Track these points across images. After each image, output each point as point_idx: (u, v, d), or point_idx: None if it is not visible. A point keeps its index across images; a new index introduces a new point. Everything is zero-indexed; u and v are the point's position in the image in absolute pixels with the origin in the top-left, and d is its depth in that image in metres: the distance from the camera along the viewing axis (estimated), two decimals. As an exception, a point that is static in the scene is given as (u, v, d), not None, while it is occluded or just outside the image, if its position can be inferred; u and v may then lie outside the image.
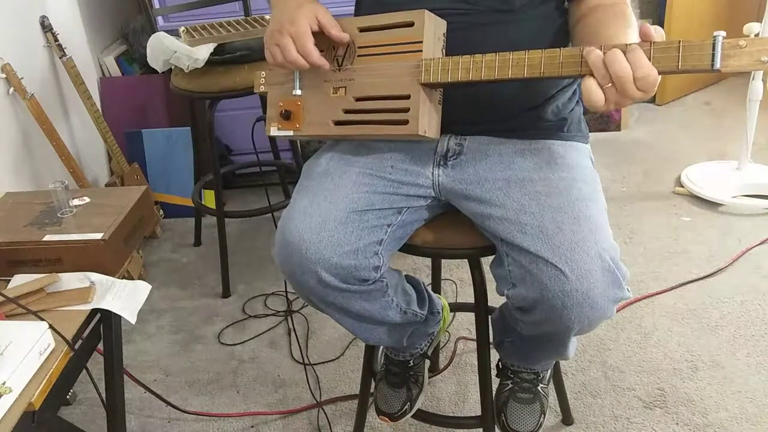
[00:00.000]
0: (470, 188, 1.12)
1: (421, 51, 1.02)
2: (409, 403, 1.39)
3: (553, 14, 1.12)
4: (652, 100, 3.24)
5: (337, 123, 1.11)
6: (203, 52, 1.94)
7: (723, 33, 0.81)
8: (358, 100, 1.09)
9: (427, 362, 1.46)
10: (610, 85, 0.87)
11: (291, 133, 1.15)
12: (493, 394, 1.34)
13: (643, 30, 0.87)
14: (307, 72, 1.11)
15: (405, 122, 1.04)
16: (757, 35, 0.82)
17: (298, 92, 1.13)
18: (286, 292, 2.08)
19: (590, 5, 1.08)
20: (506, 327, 1.26)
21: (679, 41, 0.84)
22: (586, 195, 1.06)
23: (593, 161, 1.20)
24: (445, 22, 1.05)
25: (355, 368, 1.78)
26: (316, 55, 1.06)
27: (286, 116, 1.14)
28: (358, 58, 1.08)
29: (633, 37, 0.99)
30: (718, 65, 0.82)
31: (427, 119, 1.04)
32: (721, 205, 2.37)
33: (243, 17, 2.18)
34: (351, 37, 1.08)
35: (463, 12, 1.07)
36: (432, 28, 1.03)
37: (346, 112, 1.10)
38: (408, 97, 1.03)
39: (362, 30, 1.08)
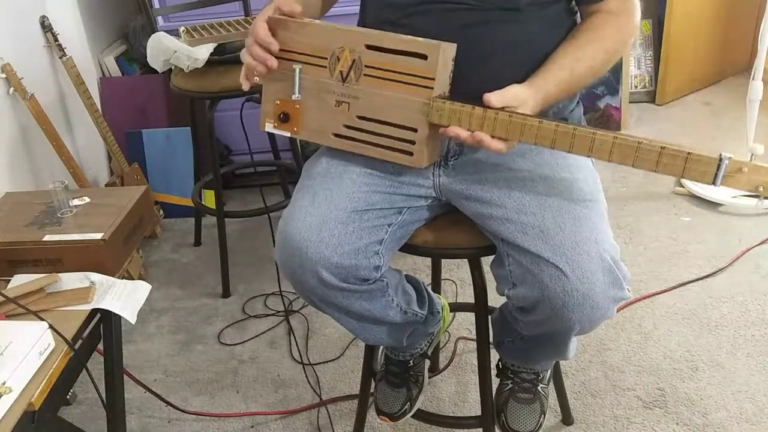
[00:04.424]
0: (471, 188, 1.12)
1: (431, 88, 0.99)
2: (409, 403, 1.39)
3: (560, 17, 1.12)
4: (652, 100, 3.24)
5: (337, 136, 1.09)
6: (203, 52, 1.94)
7: (730, 155, 0.84)
8: (360, 118, 1.07)
9: (427, 362, 1.46)
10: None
11: (288, 134, 1.14)
12: (493, 394, 1.34)
13: None
14: (307, 78, 1.10)
15: (409, 153, 1.03)
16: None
17: (298, 96, 1.11)
18: (281, 292, 2.08)
19: (589, 11, 1.09)
20: (506, 327, 1.26)
21: (688, 153, 0.87)
22: (587, 195, 1.06)
23: (593, 161, 1.20)
24: (455, 46, 1.01)
25: (355, 368, 1.78)
26: (263, 33, 1.06)
27: (284, 119, 1.13)
28: (365, 77, 1.05)
29: (587, 58, 1.05)
30: (718, 183, 0.86)
31: (432, 149, 1.04)
32: (721, 205, 2.37)
33: (243, 17, 2.18)
34: (358, 53, 1.05)
35: (468, 8, 1.07)
36: (444, 60, 0.99)
37: (348, 127, 1.08)
38: (415, 130, 1.02)
39: (370, 48, 1.04)
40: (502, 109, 0.97)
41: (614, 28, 1.06)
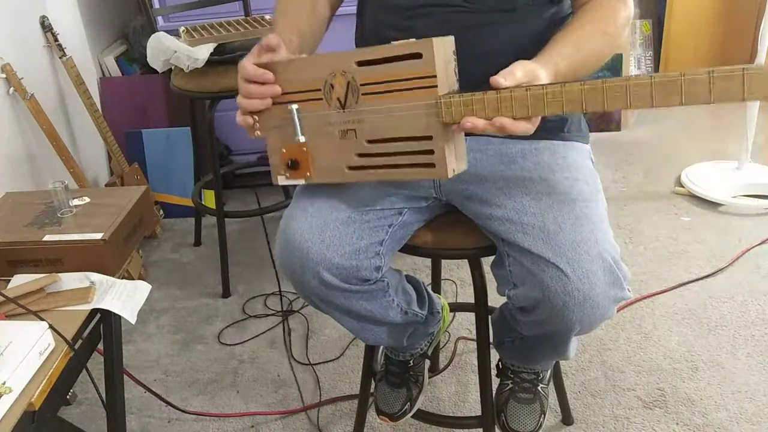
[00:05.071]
0: (471, 188, 1.12)
1: (435, 86, 0.90)
2: (409, 403, 1.39)
3: (559, 16, 1.12)
4: (652, 100, 3.24)
5: (352, 168, 1.01)
6: (203, 52, 1.94)
7: None
8: (371, 142, 0.98)
9: (427, 362, 1.46)
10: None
11: (302, 181, 1.06)
12: (493, 394, 1.34)
13: None
14: (307, 116, 1.02)
15: (432, 165, 0.93)
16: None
17: (302, 139, 1.03)
18: (280, 292, 2.08)
19: (582, 1, 1.08)
20: (506, 327, 1.26)
21: (743, 69, 0.74)
22: (587, 195, 1.06)
23: (593, 161, 1.20)
24: (452, 38, 0.93)
25: (355, 368, 1.78)
26: (251, 69, 1.01)
27: (294, 165, 1.05)
28: (363, 97, 0.96)
29: (587, 37, 1.00)
30: None
31: (454, 156, 0.94)
32: (721, 205, 2.37)
33: (243, 17, 2.18)
34: (350, 73, 0.96)
35: (464, 10, 1.07)
36: (442, 56, 0.90)
37: (360, 155, 0.99)
38: (430, 138, 0.93)
39: (361, 64, 0.95)
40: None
41: (609, 11, 1.04)
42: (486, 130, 0.90)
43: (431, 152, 0.94)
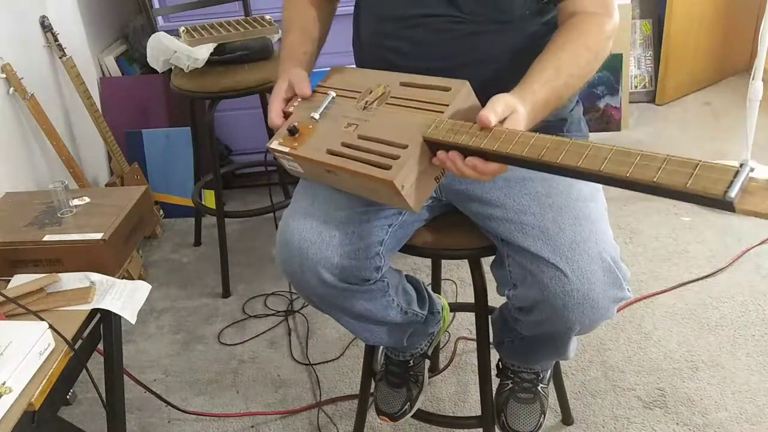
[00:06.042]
0: (471, 188, 1.12)
1: (442, 112, 0.96)
2: (409, 403, 1.39)
3: (552, 24, 1.11)
4: (652, 100, 3.24)
5: (330, 152, 1.04)
6: (203, 52, 1.94)
7: (753, 167, 0.70)
8: (361, 138, 1.02)
9: (427, 362, 1.46)
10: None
11: (287, 149, 1.09)
12: (493, 394, 1.34)
13: None
14: (333, 106, 1.09)
15: (387, 167, 0.94)
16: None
17: (316, 116, 1.08)
18: (290, 292, 2.08)
19: (567, 13, 1.06)
20: (506, 327, 1.26)
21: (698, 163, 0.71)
22: (587, 195, 1.06)
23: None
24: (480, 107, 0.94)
25: (355, 368, 1.78)
26: (273, 116, 1.13)
27: (292, 132, 1.09)
28: (385, 105, 1.04)
29: (568, 56, 0.99)
30: (733, 194, 0.68)
31: (410, 177, 0.94)
32: (721, 205, 2.37)
33: (243, 17, 2.18)
34: (390, 88, 1.05)
35: (461, 20, 1.07)
36: (463, 100, 0.96)
37: (344, 145, 1.03)
38: (405, 147, 0.96)
39: (403, 84, 1.05)
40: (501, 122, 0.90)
41: (593, 25, 1.03)
42: (457, 164, 0.91)
43: (396, 157, 0.95)
